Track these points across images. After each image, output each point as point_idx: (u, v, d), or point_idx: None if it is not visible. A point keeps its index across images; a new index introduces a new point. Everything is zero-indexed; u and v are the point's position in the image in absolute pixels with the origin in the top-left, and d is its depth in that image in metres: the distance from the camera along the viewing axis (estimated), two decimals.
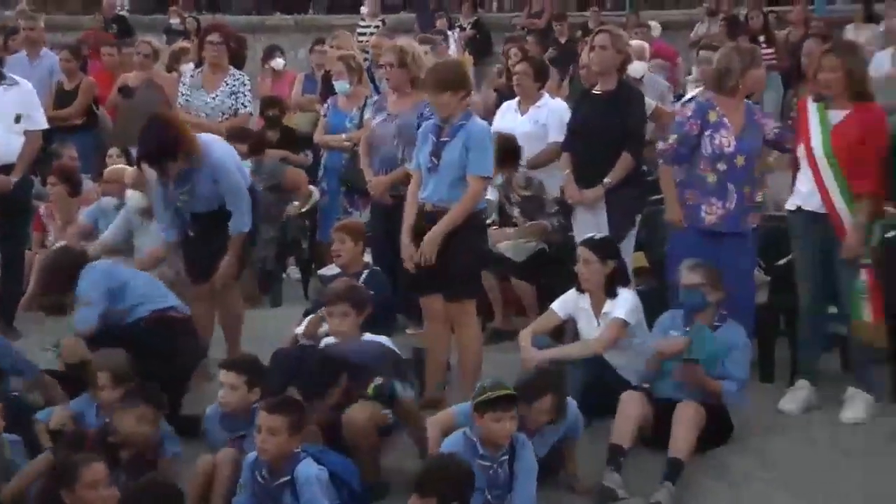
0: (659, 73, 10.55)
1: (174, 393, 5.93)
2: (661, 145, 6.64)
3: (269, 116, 10.17)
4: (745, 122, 6.45)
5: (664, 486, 5.40)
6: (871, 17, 14.63)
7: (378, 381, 5.48)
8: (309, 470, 4.98)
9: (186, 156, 6.44)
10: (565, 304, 6.43)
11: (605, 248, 6.33)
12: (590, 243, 6.37)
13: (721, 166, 6.42)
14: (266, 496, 4.99)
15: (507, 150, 7.63)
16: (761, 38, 14.00)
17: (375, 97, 8.33)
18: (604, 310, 6.23)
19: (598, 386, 6.01)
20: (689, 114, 6.56)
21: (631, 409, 5.69)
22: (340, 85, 8.74)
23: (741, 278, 6.42)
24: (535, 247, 7.62)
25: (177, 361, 6.13)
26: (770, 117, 6.56)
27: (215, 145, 6.69)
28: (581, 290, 6.33)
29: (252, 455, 5.09)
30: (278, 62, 11.96)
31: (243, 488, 5.07)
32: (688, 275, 6.03)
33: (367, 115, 8.15)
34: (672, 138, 6.59)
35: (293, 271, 9.72)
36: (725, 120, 6.42)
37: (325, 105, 9.20)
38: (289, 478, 4.96)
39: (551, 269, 7.50)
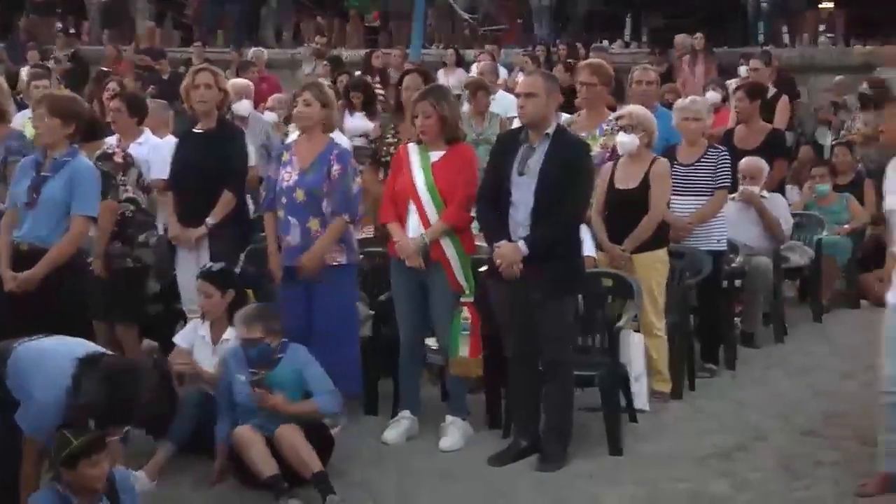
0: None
1: None
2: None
3: None
4: (317, 159, 6.62)
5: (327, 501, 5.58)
6: (461, 62, 15.49)
7: None
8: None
9: None
10: (186, 335, 6.50)
11: (224, 279, 6.39)
12: (207, 275, 6.40)
13: (284, 200, 6.61)
14: None
15: None
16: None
17: None
18: (224, 336, 6.30)
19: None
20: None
21: (255, 442, 5.74)
22: None
23: (340, 311, 6.59)
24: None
25: None
26: (345, 161, 6.73)
27: None
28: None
29: None
30: None
31: None
32: (247, 329, 5.99)
33: None
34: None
35: None
36: (294, 158, 6.63)
37: None
38: None
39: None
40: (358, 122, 10.94)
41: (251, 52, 16.00)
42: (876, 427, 5.93)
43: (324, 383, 6.04)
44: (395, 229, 6.53)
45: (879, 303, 6.16)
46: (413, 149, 6.60)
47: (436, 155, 6.51)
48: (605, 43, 17.32)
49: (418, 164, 6.51)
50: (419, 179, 6.48)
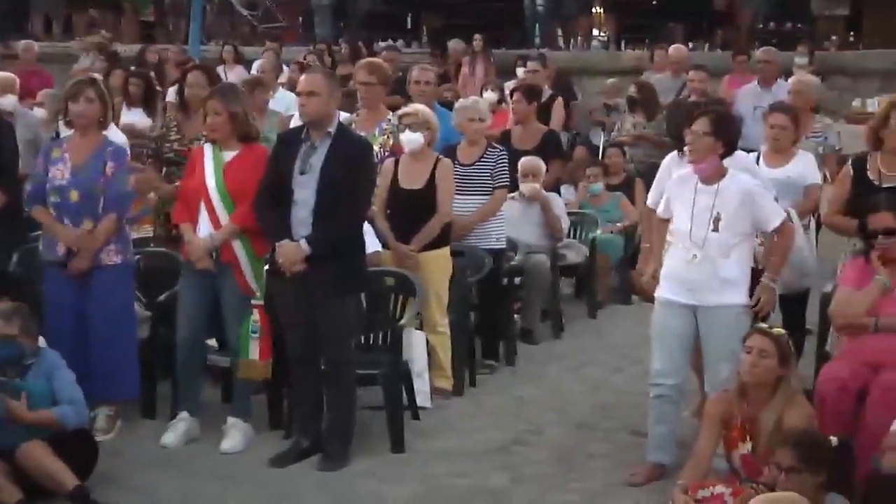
0: None
1: None
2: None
3: None
4: (91, 157, 6.43)
5: None
6: (240, 60, 15.30)
7: None
8: None
9: None
10: None
11: None
12: None
13: (54, 199, 6.39)
14: None
15: None
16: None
17: None
18: None
19: None
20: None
21: None
22: None
23: (116, 312, 6.44)
24: None
25: None
26: (120, 158, 6.55)
27: None
28: None
29: None
30: None
31: None
32: (4, 324, 5.76)
33: None
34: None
35: None
36: (66, 156, 6.43)
37: None
38: None
39: None
40: (135, 117, 10.67)
41: (21, 44, 15.36)
42: (645, 419, 6.18)
43: (70, 393, 5.79)
44: (187, 230, 6.41)
45: (648, 299, 6.41)
46: (207, 148, 6.50)
47: (229, 155, 6.43)
48: (393, 42, 17.38)
49: (210, 164, 6.41)
50: (210, 179, 6.38)
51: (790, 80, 9.61)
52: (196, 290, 6.46)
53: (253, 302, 6.36)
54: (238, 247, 6.36)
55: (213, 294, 6.43)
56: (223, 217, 6.35)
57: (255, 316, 6.34)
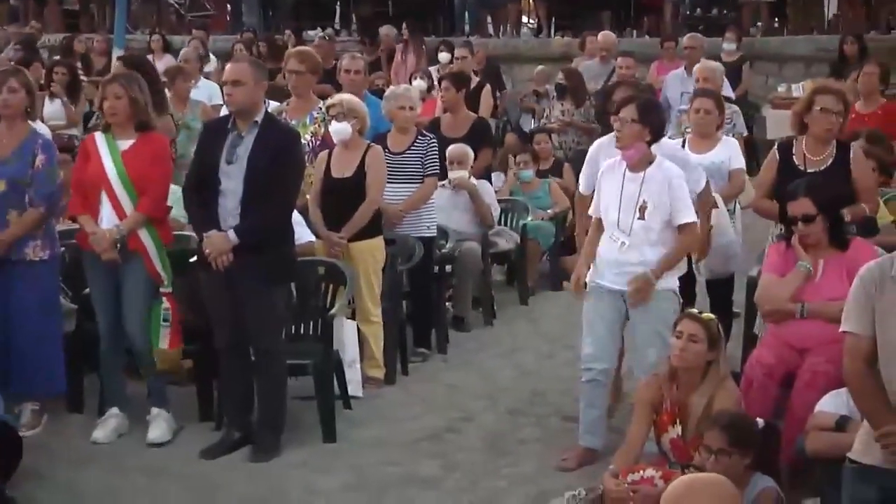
0: None
1: None
2: None
3: None
4: (19, 148, 6.33)
5: None
6: (168, 49, 15.14)
7: None
8: None
9: None
10: None
11: None
12: None
13: None
14: None
15: None
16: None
17: None
18: None
19: None
20: None
21: None
22: None
23: (42, 307, 6.36)
24: None
25: None
26: (49, 151, 6.46)
27: None
28: None
29: None
30: None
31: None
32: None
33: None
34: None
35: None
36: None
37: None
38: None
39: None
40: (57, 108, 10.53)
41: None
42: (576, 404, 6.21)
43: None
44: (88, 221, 6.30)
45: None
46: (100, 137, 6.38)
47: (124, 143, 6.32)
48: (330, 30, 17.26)
49: (107, 153, 6.29)
50: (110, 168, 6.26)
51: (695, 69, 9.60)
52: (104, 281, 6.35)
53: (161, 290, 6.29)
54: (145, 235, 6.28)
55: (118, 281, 6.33)
56: (127, 206, 6.25)
57: (166, 304, 6.27)
